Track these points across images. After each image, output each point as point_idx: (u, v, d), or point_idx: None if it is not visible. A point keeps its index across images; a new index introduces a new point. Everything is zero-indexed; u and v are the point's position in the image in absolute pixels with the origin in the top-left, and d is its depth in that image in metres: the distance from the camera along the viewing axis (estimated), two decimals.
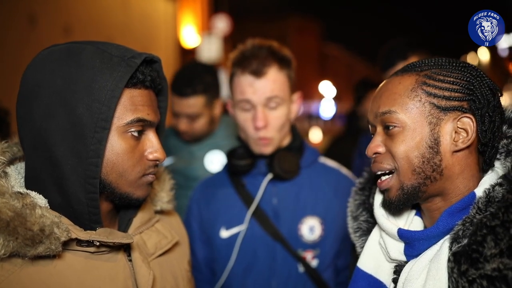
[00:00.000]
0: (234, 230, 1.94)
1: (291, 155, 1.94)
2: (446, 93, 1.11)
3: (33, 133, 1.11)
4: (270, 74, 1.85)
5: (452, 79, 1.12)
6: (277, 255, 1.90)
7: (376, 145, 1.19)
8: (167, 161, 2.92)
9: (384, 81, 1.24)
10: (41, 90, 1.10)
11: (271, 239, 1.90)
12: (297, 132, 2.04)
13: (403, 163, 1.13)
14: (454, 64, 1.15)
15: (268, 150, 1.90)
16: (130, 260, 1.22)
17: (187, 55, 11.20)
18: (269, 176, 1.93)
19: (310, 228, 1.92)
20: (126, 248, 1.23)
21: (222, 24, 11.68)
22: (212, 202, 2.03)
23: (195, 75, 2.84)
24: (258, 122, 1.83)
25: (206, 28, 11.97)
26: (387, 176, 1.19)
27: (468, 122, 1.10)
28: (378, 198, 1.29)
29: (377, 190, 1.31)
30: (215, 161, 2.75)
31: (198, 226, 2.04)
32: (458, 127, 1.11)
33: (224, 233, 1.95)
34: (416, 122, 1.12)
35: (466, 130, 1.11)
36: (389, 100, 1.16)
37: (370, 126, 1.25)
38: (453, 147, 1.11)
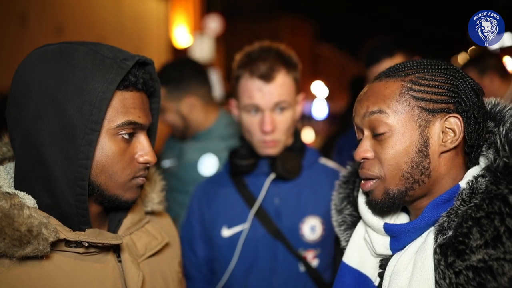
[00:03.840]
0: (236, 229, 1.95)
1: (293, 156, 1.96)
2: (433, 97, 1.11)
3: (23, 133, 1.11)
4: (278, 79, 1.86)
5: (437, 83, 1.12)
6: (278, 254, 1.91)
7: (365, 150, 1.18)
8: (168, 163, 2.91)
9: (367, 85, 1.22)
10: (32, 90, 1.09)
11: (273, 238, 1.91)
12: (298, 133, 2.06)
13: (391, 170, 1.13)
14: (436, 67, 1.15)
15: (274, 151, 1.91)
16: (120, 261, 1.22)
17: (179, 55, 11.17)
18: (272, 176, 1.94)
19: (311, 228, 1.93)
20: (116, 249, 1.22)
21: (214, 24, 11.66)
22: (213, 201, 2.03)
23: (164, 67, 2.87)
24: (266, 127, 1.84)
25: (198, 28, 11.94)
26: (372, 181, 1.18)
27: (456, 122, 1.11)
28: (362, 194, 1.30)
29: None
30: (208, 165, 2.74)
31: (199, 225, 2.04)
32: (446, 127, 1.11)
33: (226, 232, 1.96)
34: (406, 126, 1.12)
35: (453, 130, 1.11)
36: (378, 100, 1.15)
37: (356, 129, 1.23)
38: (442, 148, 1.12)
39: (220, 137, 2.76)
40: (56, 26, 7.95)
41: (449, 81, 1.12)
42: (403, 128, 1.12)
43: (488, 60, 3.62)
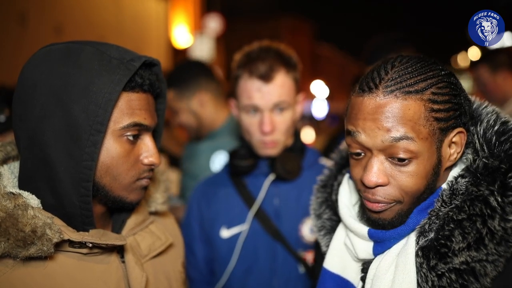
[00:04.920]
0: (235, 230, 1.94)
1: (293, 156, 1.95)
2: (447, 114, 1.05)
3: (28, 133, 1.10)
4: (278, 79, 1.84)
5: (447, 97, 1.05)
6: (277, 255, 1.90)
7: (379, 175, 1.06)
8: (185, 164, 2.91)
9: (372, 99, 1.06)
10: (38, 90, 1.09)
11: (272, 239, 1.90)
12: (298, 133, 2.05)
13: (410, 195, 1.07)
14: (440, 74, 1.07)
15: (274, 152, 1.90)
16: (123, 262, 1.22)
17: (179, 55, 11.17)
18: (272, 176, 1.93)
19: (311, 229, 1.91)
20: (120, 250, 1.22)
21: (214, 24, 11.66)
22: (213, 202, 2.03)
23: (171, 71, 2.93)
24: (265, 127, 1.83)
25: (198, 28, 11.93)
26: (385, 204, 1.09)
27: (460, 136, 1.08)
28: (343, 197, 1.27)
29: (341, 188, 1.30)
30: (220, 162, 2.73)
31: (198, 225, 2.03)
32: (451, 142, 1.08)
33: (225, 233, 1.95)
34: (429, 151, 1.04)
35: (457, 144, 1.09)
36: (401, 124, 1.02)
37: (355, 144, 1.10)
38: (449, 164, 1.10)
39: (232, 134, 2.76)
40: (56, 26, 7.94)
41: (453, 92, 1.07)
42: (427, 154, 1.04)
43: (499, 56, 3.56)
